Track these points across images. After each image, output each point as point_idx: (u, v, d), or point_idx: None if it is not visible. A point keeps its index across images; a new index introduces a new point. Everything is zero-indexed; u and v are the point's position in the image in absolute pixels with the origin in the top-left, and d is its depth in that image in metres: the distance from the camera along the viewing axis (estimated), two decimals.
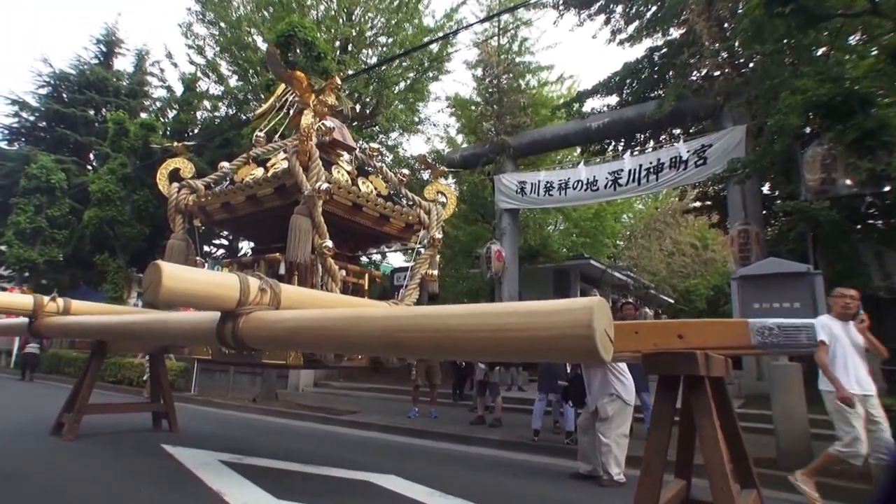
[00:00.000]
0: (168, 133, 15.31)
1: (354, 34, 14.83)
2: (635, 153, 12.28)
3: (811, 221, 7.52)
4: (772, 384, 5.66)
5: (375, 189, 5.22)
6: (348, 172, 4.94)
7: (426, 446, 6.95)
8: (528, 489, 4.76)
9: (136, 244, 15.40)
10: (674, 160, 10.93)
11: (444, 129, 19.21)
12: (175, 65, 26.27)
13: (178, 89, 18.05)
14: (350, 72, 13.02)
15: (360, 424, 8.43)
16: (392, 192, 5.35)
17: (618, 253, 25.90)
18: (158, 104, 21.66)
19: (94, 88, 23.24)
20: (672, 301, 26.11)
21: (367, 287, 4.92)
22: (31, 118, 24.33)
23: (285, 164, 4.29)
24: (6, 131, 24.39)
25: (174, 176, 5.09)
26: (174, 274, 2.28)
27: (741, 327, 2.35)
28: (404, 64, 15.67)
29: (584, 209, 20.77)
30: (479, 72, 15.40)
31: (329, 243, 3.96)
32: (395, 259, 20.72)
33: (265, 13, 14.19)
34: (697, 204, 14.24)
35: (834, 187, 7.55)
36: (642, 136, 13.00)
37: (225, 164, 5.10)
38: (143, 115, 19.82)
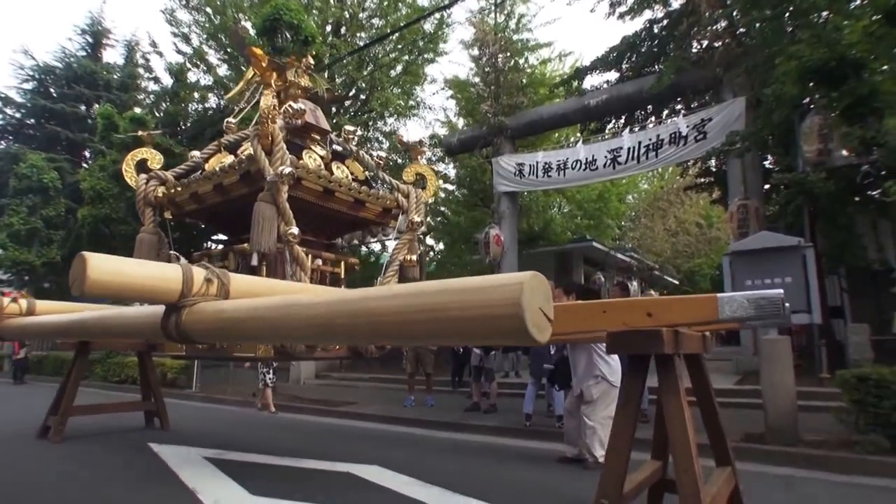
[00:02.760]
0: (159, 126, 15.06)
1: (347, 16, 14.54)
2: (635, 130, 12.04)
3: (807, 194, 7.37)
4: (761, 359, 5.57)
5: (352, 173, 5.09)
6: (321, 157, 4.80)
7: (419, 435, 6.89)
8: (511, 475, 4.68)
9: (134, 242, 15.19)
10: (673, 136, 10.73)
11: (443, 113, 18.98)
12: (160, 54, 25.50)
13: (168, 81, 17.81)
14: (342, 56, 12.75)
15: (356, 415, 8.39)
16: (370, 175, 5.20)
17: (622, 234, 25.68)
18: (153, 97, 21.26)
19: (84, 82, 22.67)
20: (677, 283, 25.98)
21: (343, 275, 4.79)
22: (17, 115, 23.70)
23: (250, 151, 4.15)
24: None
25: (142, 167, 4.95)
26: (101, 266, 2.17)
27: (710, 302, 2.22)
28: (399, 47, 15.39)
29: (588, 191, 20.61)
30: (475, 51, 15.10)
31: (294, 230, 3.83)
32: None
33: None
34: (699, 180, 13.98)
35: (830, 158, 7.43)
36: (642, 112, 12.74)
37: (195, 154, 4.98)
38: (137, 109, 19.53)
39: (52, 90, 23.62)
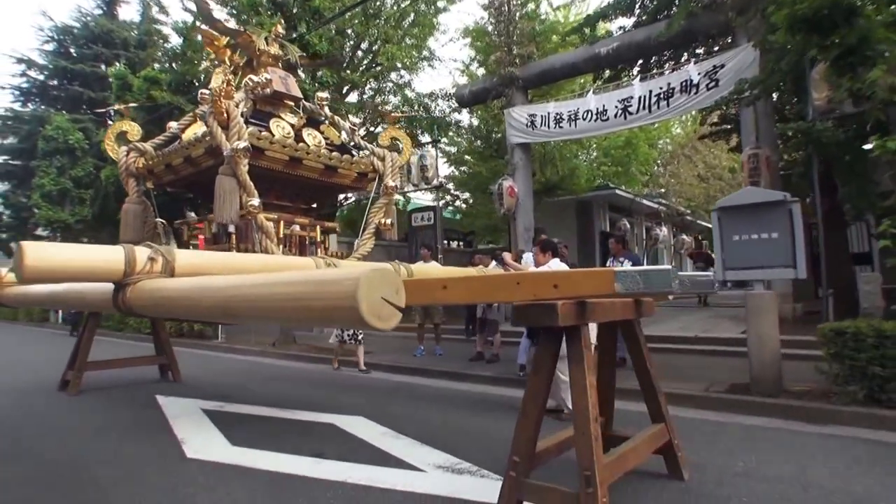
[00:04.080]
0: (171, 85, 15.19)
1: None
2: (649, 77, 11.59)
3: (815, 143, 7.09)
4: (747, 312, 5.61)
5: (327, 139, 5.16)
6: (292, 125, 4.87)
7: (418, 385, 7.18)
8: (487, 425, 4.88)
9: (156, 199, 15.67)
10: (685, 84, 10.36)
11: (462, 63, 18.55)
12: (166, 13, 25.24)
13: (177, 40, 17.78)
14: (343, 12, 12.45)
15: (366, 365, 8.68)
16: (346, 141, 5.28)
17: (651, 180, 25.07)
18: (171, 54, 21.31)
19: (101, 41, 22.98)
20: (711, 227, 25.41)
21: (318, 239, 4.95)
22: (41, 77, 24.29)
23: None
24: (17, 92, 24.47)
25: (124, 139, 5.14)
26: (38, 254, 2.39)
27: (608, 276, 2.28)
28: (403, 3, 14.91)
29: (615, 137, 20.16)
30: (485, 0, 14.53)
31: (255, 202, 3.99)
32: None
33: None
34: (715, 128, 13.49)
35: (840, 105, 7.06)
36: (656, 59, 12.21)
37: (173, 124, 5.13)
38: (157, 66, 19.57)
39: (71, 50, 23.99)
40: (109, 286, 3.02)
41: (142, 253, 2.71)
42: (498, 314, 9.27)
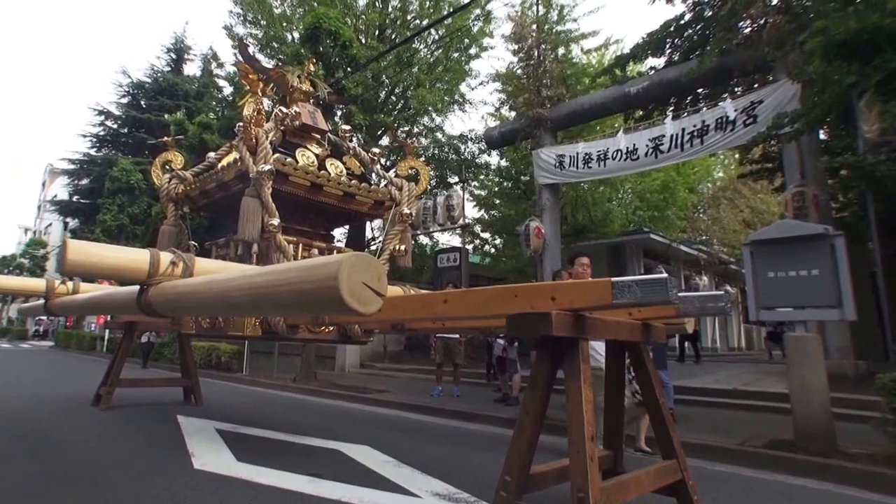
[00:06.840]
0: (221, 131, 16.28)
1: (390, 20, 14.97)
2: (683, 115, 11.48)
3: (868, 178, 6.69)
4: (788, 358, 5.13)
5: (349, 169, 5.36)
6: (317, 155, 5.10)
7: (432, 422, 7.05)
8: (493, 462, 4.56)
9: (200, 236, 16.58)
10: (720, 121, 10.15)
11: (493, 107, 19.10)
12: (221, 65, 27.10)
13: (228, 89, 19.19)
14: (374, 58, 13.17)
15: (381, 402, 8.70)
16: (367, 170, 5.46)
17: (685, 226, 24.30)
18: (225, 103, 23.01)
19: (166, 94, 25.61)
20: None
21: None
22: (114, 126, 27.09)
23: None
24: (94, 139, 27.35)
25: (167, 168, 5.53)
26: (79, 249, 2.60)
27: (605, 286, 2.22)
28: (441, 44, 15.60)
29: (650, 181, 19.82)
30: (514, 46, 15.00)
31: (275, 222, 4.15)
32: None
33: (300, 11, 14.76)
34: (756, 167, 13.08)
35: (895, 136, 6.70)
36: (690, 98, 12.13)
37: (211, 154, 5.46)
38: (212, 115, 21.06)
39: (142, 102, 26.76)
40: (136, 289, 3.20)
41: (165, 257, 2.90)
42: (518, 356, 9.07)
